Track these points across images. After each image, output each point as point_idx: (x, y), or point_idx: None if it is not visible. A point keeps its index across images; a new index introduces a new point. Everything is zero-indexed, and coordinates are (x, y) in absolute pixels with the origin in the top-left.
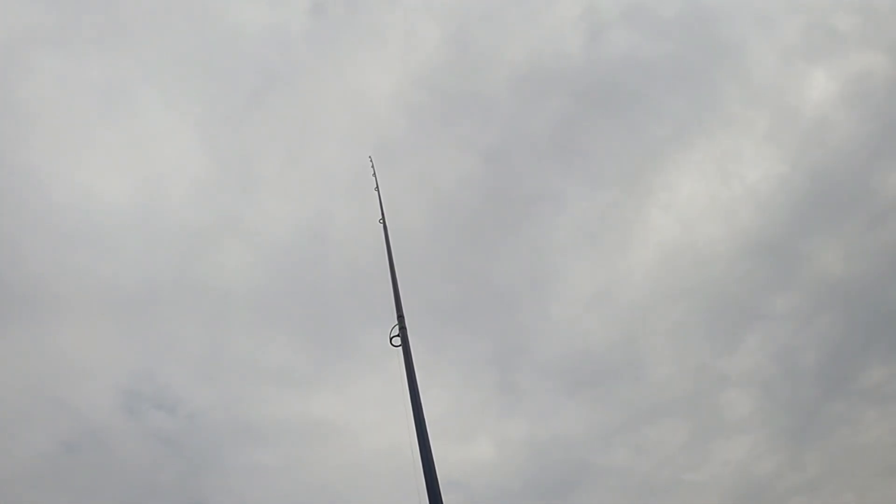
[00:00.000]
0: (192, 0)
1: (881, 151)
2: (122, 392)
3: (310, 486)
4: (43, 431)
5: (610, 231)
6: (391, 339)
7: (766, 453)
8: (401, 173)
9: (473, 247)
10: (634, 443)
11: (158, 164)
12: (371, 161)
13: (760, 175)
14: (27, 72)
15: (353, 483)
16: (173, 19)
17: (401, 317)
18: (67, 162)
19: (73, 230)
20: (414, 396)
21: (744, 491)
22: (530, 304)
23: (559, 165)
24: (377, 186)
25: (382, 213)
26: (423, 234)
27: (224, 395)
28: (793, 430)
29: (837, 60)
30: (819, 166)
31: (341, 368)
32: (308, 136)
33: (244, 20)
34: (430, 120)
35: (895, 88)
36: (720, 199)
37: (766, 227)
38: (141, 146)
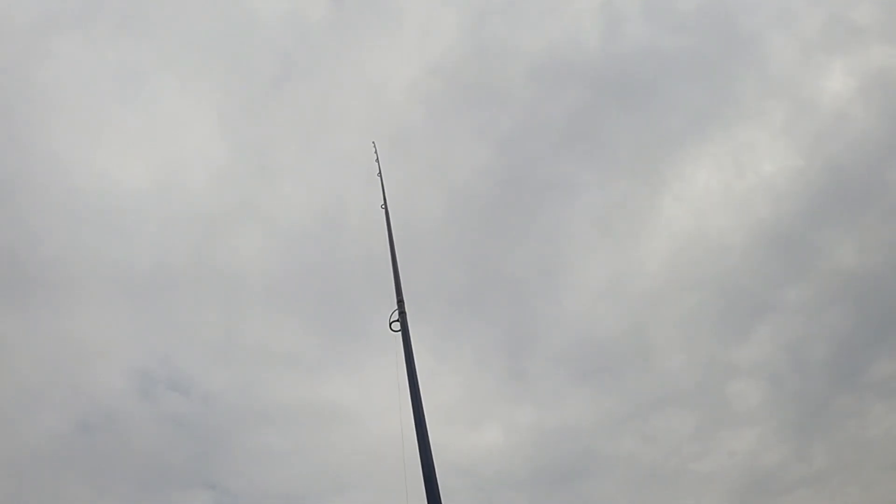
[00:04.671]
0: None
1: None
2: (136, 374)
3: (319, 470)
4: (58, 412)
5: (623, 221)
6: (391, 325)
7: (773, 445)
8: (416, 161)
9: (487, 235)
10: (642, 432)
11: (176, 150)
12: (374, 147)
13: (776, 167)
14: (47, 57)
15: (361, 468)
16: (193, 6)
17: (400, 301)
18: (86, 146)
19: (91, 213)
20: (412, 383)
21: (750, 482)
22: (542, 292)
23: (574, 155)
24: (379, 172)
25: (385, 199)
26: (437, 221)
27: (237, 378)
28: (800, 422)
29: (856, 54)
30: (835, 160)
31: (352, 353)
32: (325, 123)
33: (263, 8)
34: (446, 109)
35: None
36: (735, 190)
37: (781, 219)
38: (159, 132)
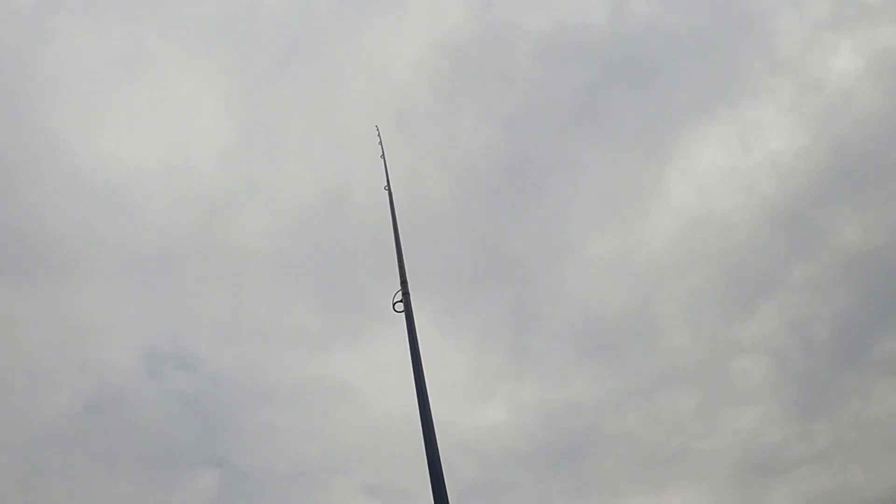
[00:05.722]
0: None
1: None
2: (144, 352)
3: (325, 449)
4: (66, 391)
5: (629, 198)
6: (394, 305)
7: (776, 423)
8: (421, 141)
9: (492, 214)
10: (645, 410)
11: (181, 130)
12: (377, 130)
13: (782, 145)
14: (51, 37)
15: (367, 447)
16: None
17: (404, 283)
18: (91, 127)
19: (96, 193)
20: (416, 365)
21: (752, 461)
22: (546, 270)
23: (580, 134)
24: (383, 154)
25: (388, 181)
26: (442, 200)
27: (243, 356)
28: (803, 400)
29: (865, 34)
30: (842, 138)
31: (357, 331)
32: (330, 103)
33: None
34: (451, 88)
35: None
36: (741, 168)
37: (787, 197)
38: (164, 112)
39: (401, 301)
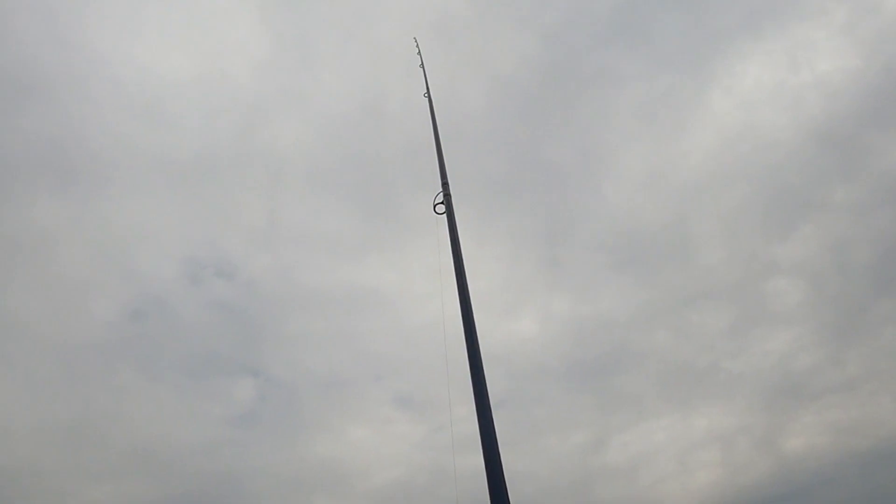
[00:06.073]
0: None
1: None
2: (183, 260)
3: (359, 357)
4: (110, 300)
5: (668, 113)
6: (435, 207)
7: (808, 347)
8: (459, 50)
9: (528, 124)
10: (676, 326)
11: (218, 42)
12: (416, 42)
13: (832, 66)
14: None
15: (399, 356)
16: None
17: (445, 184)
18: (128, 40)
19: (134, 105)
20: (458, 265)
21: (781, 385)
22: (582, 182)
23: (619, 48)
24: (422, 64)
25: (427, 89)
26: (478, 110)
27: (279, 263)
28: (838, 325)
29: None
30: (894, 62)
31: (391, 238)
32: (366, 13)
33: None
34: None
35: None
36: (787, 85)
37: (834, 118)
38: (200, 24)
39: (441, 203)
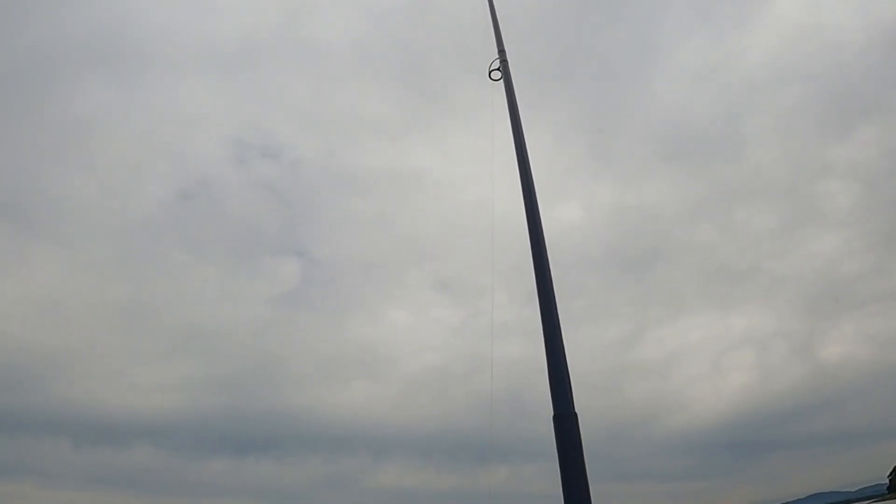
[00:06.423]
0: None
1: None
2: (230, 142)
3: (401, 239)
4: (159, 182)
5: (727, 9)
6: (490, 73)
7: (856, 253)
8: None
9: (580, 12)
10: (721, 223)
11: None
12: None
13: None
14: None
15: (440, 239)
16: None
17: (501, 50)
18: None
19: None
20: (516, 130)
21: (824, 290)
22: (633, 73)
23: None
24: None
25: None
26: None
27: (324, 145)
28: (889, 233)
29: None
30: None
31: (435, 123)
32: None
33: None
34: None
35: None
36: None
37: None
38: None
39: (497, 69)
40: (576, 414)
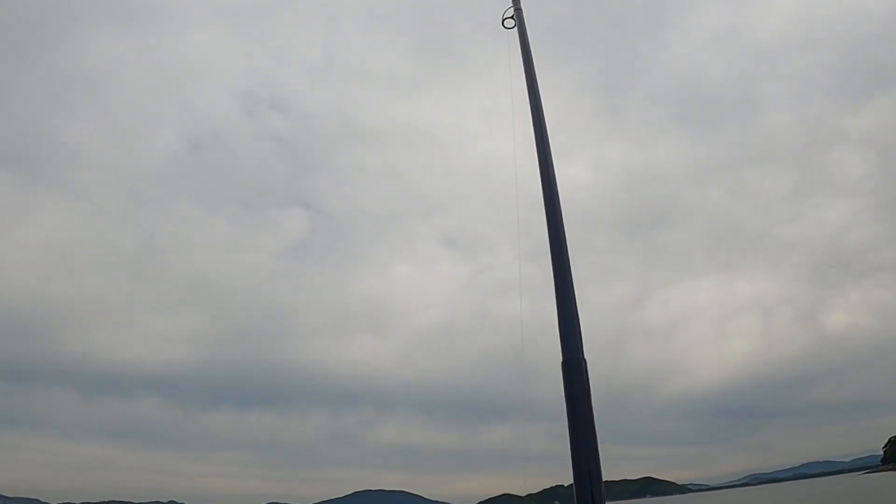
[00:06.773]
0: None
1: None
2: (241, 93)
3: (408, 193)
4: (170, 131)
5: None
6: (503, 22)
7: (866, 222)
8: None
9: None
10: (731, 186)
11: None
12: None
13: None
14: None
15: (447, 194)
16: None
17: None
18: None
19: None
20: (530, 81)
21: (832, 258)
22: (647, 32)
23: None
24: None
25: None
26: None
27: (334, 99)
28: None
29: None
30: None
31: (446, 78)
32: None
33: None
34: None
35: None
36: None
37: None
38: None
39: (511, 17)
40: (584, 359)
